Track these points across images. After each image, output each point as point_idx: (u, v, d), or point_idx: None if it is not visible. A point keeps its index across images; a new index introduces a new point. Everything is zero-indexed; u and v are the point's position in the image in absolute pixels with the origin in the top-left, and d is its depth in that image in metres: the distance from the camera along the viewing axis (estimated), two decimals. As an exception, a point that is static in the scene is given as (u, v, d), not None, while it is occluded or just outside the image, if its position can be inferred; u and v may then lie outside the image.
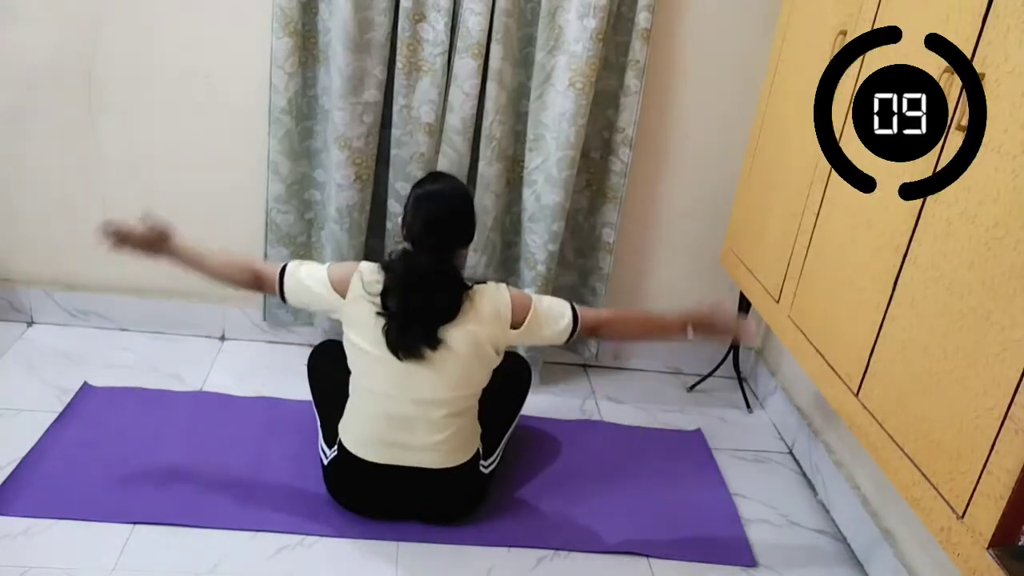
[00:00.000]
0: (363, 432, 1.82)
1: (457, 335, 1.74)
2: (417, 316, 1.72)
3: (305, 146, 2.37)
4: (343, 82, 2.19)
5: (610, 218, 2.46)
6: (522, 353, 2.40)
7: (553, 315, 1.84)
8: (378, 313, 1.73)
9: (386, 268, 1.75)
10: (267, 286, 1.83)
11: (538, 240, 2.40)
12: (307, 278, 1.80)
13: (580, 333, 1.86)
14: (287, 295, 1.82)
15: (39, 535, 1.74)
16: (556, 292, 2.56)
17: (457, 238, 1.79)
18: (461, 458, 1.85)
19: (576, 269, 2.59)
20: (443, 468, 1.82)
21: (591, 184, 2.47)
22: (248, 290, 1.89)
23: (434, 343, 1.72)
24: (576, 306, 1.87)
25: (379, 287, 1.73)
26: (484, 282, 1.82)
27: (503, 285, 1.83)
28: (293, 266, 1.83)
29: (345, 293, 1.77)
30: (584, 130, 2.29)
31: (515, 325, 1.79)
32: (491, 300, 1.78)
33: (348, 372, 1.86)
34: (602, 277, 2.53)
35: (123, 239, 1.73)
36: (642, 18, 2.23)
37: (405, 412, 1.78)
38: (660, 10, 2.27)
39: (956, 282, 1.30)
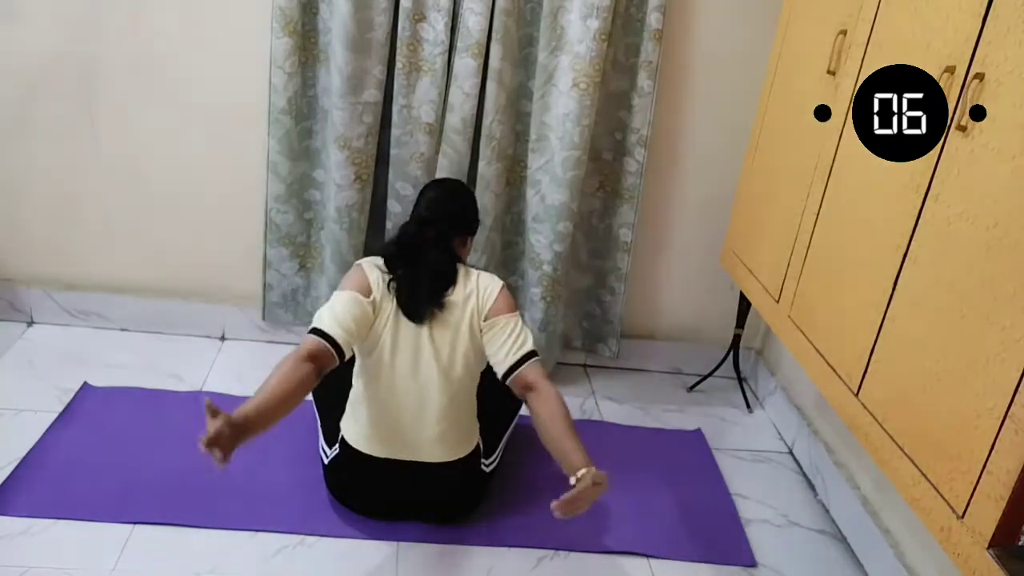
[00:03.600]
0: (366, 426, 1.83)
1: (457, 304, 1.79)
2: (419, 276, 1.78)
3: (305, 146, 2.37)
4: (343, 82, 2.19)
5: (627, 218, 2.47)
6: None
7: (518, 338, 1.77)
8: (388, 283, 1.77)
9: (387, 245, 1.86)
10: (324, 357, 1.65)
11: (543, 240, 2.40)
12: (339, 314, 1.69)
13: (520, 376, 1.74)
14: (341, 343, 1.67)
15: (39, 535, 1.74)
16: (572, 294, 2.58)
17: (455, 223, 1.89)
18: (461, 452, 1.86)
19: (592, 270, 2.59)
20: (444, 462, 1.83)
21: (604, 186, 2.48)
22: (320, 376, 1.65)
23: (440, 303, 1.78)
24: (540, 360, 1.78)
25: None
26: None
27: (499, 279, 1.87)
28: (318, 320, 1.69)
29: (370, 290, 1.76)
30: (589, 131, 2.29)
31: (488, 315, 1.79)
32: (485, 281, 1.84)
33: (349, 372, 1.86)
34: (620, 276, 2.54)
35: (225, 445, 1.41)
36: (653, 19, 2.23)
37: (409, 398, 1.79)
38: (669, 10, 2.27)
39: (956, 282, 1.30)
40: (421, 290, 1.77)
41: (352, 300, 1.72)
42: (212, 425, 1.39)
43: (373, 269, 1.80)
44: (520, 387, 1.76)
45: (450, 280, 1.81)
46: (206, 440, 1.37)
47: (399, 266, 1.79)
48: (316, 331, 1.67)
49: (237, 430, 1.43)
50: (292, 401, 1.57)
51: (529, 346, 1.78)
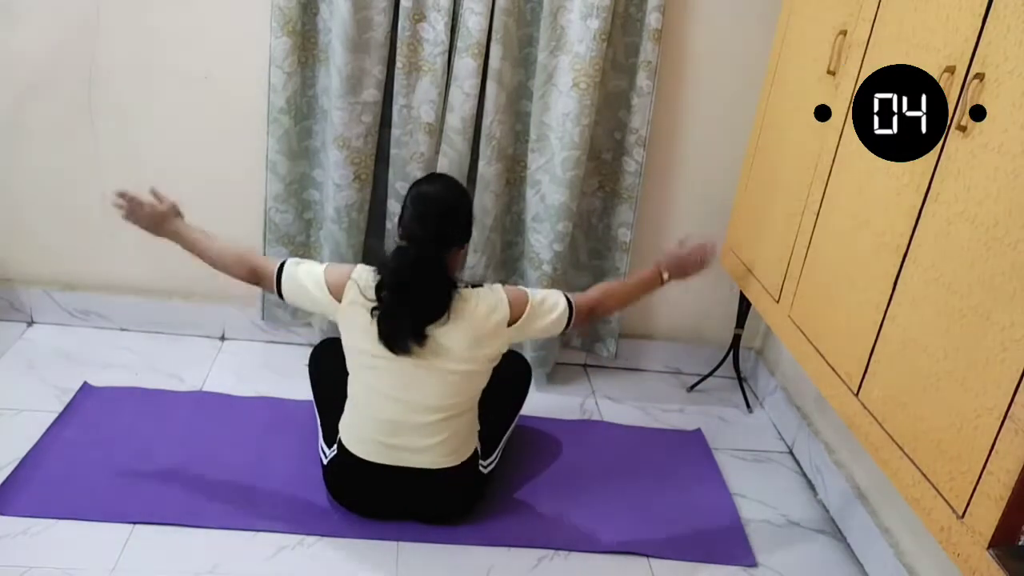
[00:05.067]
0: (361, 432, 1.82)
1: (454, 338, 1.73)
2: (404, 310, 1.71)
3: (304, 146, 2.37)
4: (342, 82, 2.19)
5: (626, 218, 2.47)
6: (524, 353, 2.40)
7: (547, 306, 1.84)
8: (372, 309, 1.72)
9: (381, 266, 1.76)
10: (265, 282, 1.84)
11: (543, 240, 2.40)
12: (305, 278, 1.80)
13: (576, 320, 1.88)
14: (284, 293, 1.82)
15: (39, 535, 1.74)
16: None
17: (451, 234, 1.77)
18: (458, 459, 1.85)
19: (591, 270, 2.59)
20: (441, 468, 1.83)
21: (604, 186, 2.47)
22: (245, 282, 1.87)
23: (421, 339, 1.71)
24: (569, 295, 1.89)
25: (373, 289, 1.74)
26: (480, 285, 1.81)
27: (497, 285, 1.83)
28: (291, 264, 1.82)
29: (341, 297, 1.76)
30: (589, 130, 2.29)
31: (512, 321, 1.79)
32: (487, 301, 1.77)
33: (348, 372, 1.86)
34: (619, 277, 2.53)
35: (135, 208, 1.81)
36: (652, 19, 2.23)
37: (401, 416, 1.78)
38: (668, 10, 2.27)
39: (956, 282, 1.30)
40: (401, 326, 1.71)
41: (320, 292, 1.77)
42: (157, 200, 1.79)
43: (354, 288, 1.74)
44: (584, 323, 1.94)
45: (441, 310, 1.72)
46: (131, 195, 1.76)
47: (387, 293, 1.71)
48: (281, 270, 1.81)
49: (162, 218, 1.82)
50: (207, 258, 1.84)
51: (560, 304, 1.86)
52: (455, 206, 1.79)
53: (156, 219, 1.83)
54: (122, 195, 1.81)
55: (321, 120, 2.33)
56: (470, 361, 1.76)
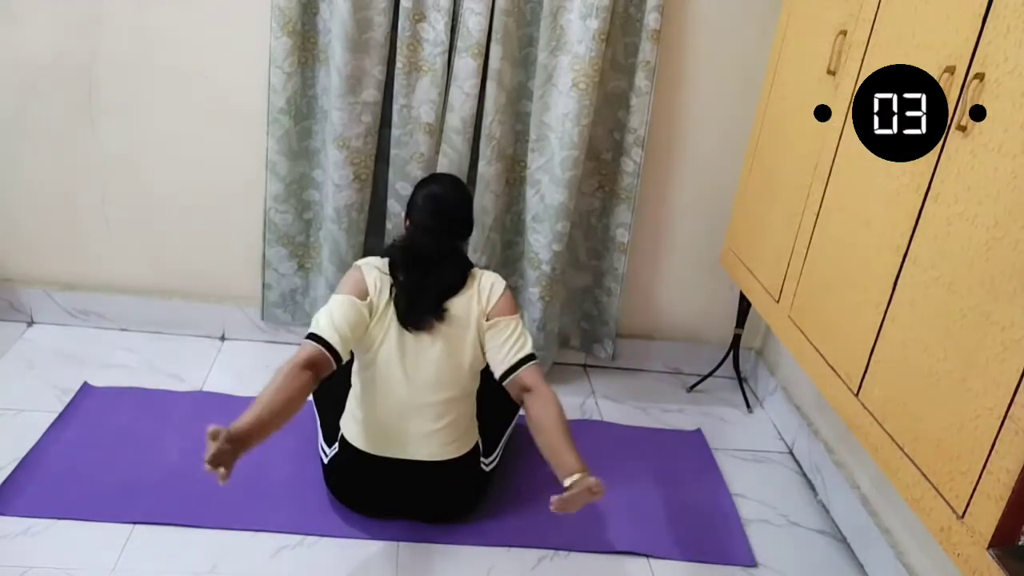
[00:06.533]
0: (365, 425, 1.83)
1: (462, 305, 1.80)
2: (426, 288, 1.77)
3: (304, 146, 2.37)
4: (341, 82, 2.19)
5: (624, 219, 2.47)
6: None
7: (518, 340, 1.79)
8: (390, 287, 1.77)
9: (391, 247, 1.84)
10: (322, 364, 1.67)
11: (542, 240, 2.40)
12: (336, 319, 1.70)
13: (518, 378, 1.76)
14: (339, 349, 1.68)
15: (39, 535, 1.74)
16: (570, 294, 2.58)
17: (458, 230, 1.89)
18: (460, 451, 1.86)
19: (590, 270, 2.59)
20: (443, 461, 1.83)
21: (603, 186, 2.48)
22: (318, 381, 1.67)
23: (441, 314, 1.77)
24: (536, 359, 1.80)
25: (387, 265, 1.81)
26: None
27: (503, 280, 1.87)
28: (316, 326, 1.70)
29: (367, 293, 1.77)
30: (588, 130, 2.29)
31: (490, 315, 1.81)
32: (489, 280, 1.85)
33: (348, 372, 1.86)
34: (617, 277, 2.54)
35: (227, 463, 1.43)
36: (651, 19, 2.23)
37: (409, 397, 1.79)
38: (667, 10, 2.27)
39: (956, 282, 1.30)
40: (424, 301, 1.77)
41: (348, 304, 1.73)
42: (213, 446, 1.39)
43: (372, 270, 1.80)
44: (517, 389, 1.78)
45: (460, 283, 1.81)
46: (209, 459, 1.38)
47: (404, 272, 1.79)
48: (313, 336, 1.68)
49: (237, 445, 1.44)
50: (291, 409, 1.59)
51: (528, 349, 1.80)
52: (464, 205, 1.92)
53: (237, 449, 1.45)
54: (214, 465, 1.40)
55: (321, 120, 2.33)
56: (471, 330, 1.80)
